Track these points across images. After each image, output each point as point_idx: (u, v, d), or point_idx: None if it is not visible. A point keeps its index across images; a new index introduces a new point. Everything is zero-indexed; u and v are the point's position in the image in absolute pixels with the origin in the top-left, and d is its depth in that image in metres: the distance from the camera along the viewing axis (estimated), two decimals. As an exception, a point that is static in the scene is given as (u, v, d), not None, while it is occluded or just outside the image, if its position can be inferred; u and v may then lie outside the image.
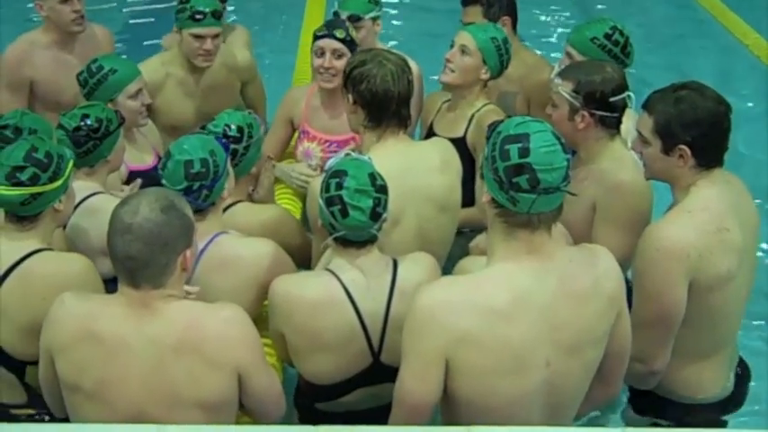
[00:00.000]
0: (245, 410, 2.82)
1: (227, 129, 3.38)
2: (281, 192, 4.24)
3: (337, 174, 2.92)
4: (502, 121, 2.62)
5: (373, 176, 2.92)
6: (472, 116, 3.96)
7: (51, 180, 2.96)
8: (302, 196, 4.18)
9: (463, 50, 3.92)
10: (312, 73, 4.21)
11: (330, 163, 3.04)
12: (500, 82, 4.24)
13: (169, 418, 2.60)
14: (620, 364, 2.83)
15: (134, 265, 2.55)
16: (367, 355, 3.00)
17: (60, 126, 3.45)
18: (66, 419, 2.82)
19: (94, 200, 3.42)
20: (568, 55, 3.90)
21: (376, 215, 2.90)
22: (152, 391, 2.60)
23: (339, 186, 2.89)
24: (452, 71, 3.94)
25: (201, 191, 3.03)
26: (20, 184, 2.91)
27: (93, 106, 3.55)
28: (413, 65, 3.87)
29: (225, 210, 3.30)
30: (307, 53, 5.57)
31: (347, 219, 2.88)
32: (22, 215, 2.98)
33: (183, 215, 2.61)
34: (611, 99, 3.32)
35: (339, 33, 4.04)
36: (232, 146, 3.33)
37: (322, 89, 4.17)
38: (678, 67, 6.84)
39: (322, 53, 4.06)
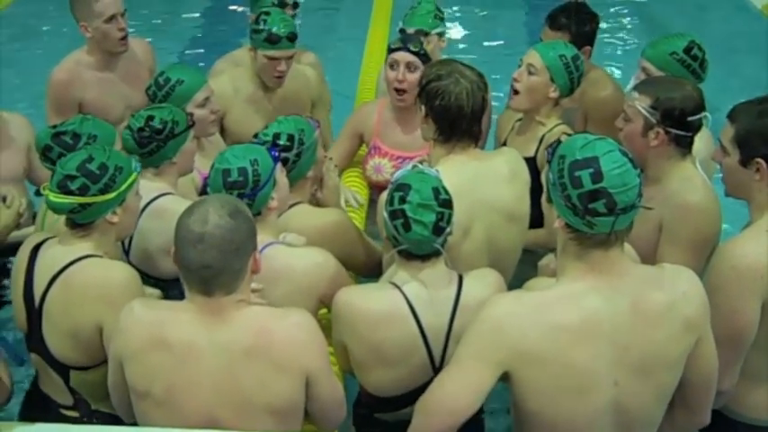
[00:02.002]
0: (306, 416, 2.81)
1: (276, 137, 3.38)
2: (349, 178, 4.28)
3: (401, 187, 2.91)
4: (560, 142, 2.58)
5: (437, 191, 2.90)
6: (543, 136, 3.91)
7: (102, 192, 2.96)
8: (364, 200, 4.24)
9: (530, 69, 3.87)
10: (387, 87, 4.20)
11: (397, 175, 3.03)
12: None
13: (239, 424, 2.62)
14: (706, 393, 2.75)
15: (209, 273, 2.54)
16: (428, 369, 2.98)
17: (128, 126, 3.48)
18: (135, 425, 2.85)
19: (161, 201, 3.43)
20: (644, 70, 3.85)
21: (439, 230, 2.88)
22: (222, 397, 2.60)
23: (402, 200, 2.88)
24: (518, 92, 3.90)
25: (242, 200, 2.97)
26: (69, 192, 2.93)
27: (160, 108, 3.57)
28: None
29: (282, 213, 3.27)
30: (370, 70, 5.60)
31: (409, 233, 2.87)
32: (77, 222, 3.01)
33: (248, 217, 2.62)
34: (689, 118, 3.26)
35: (413, 46, 4.05)
36: (283, 154, 3.33)
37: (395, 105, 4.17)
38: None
39: (396, 66, 4.06)
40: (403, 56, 4.05)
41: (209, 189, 3.03)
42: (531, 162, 3.80)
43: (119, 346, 2.70)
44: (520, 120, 4.08)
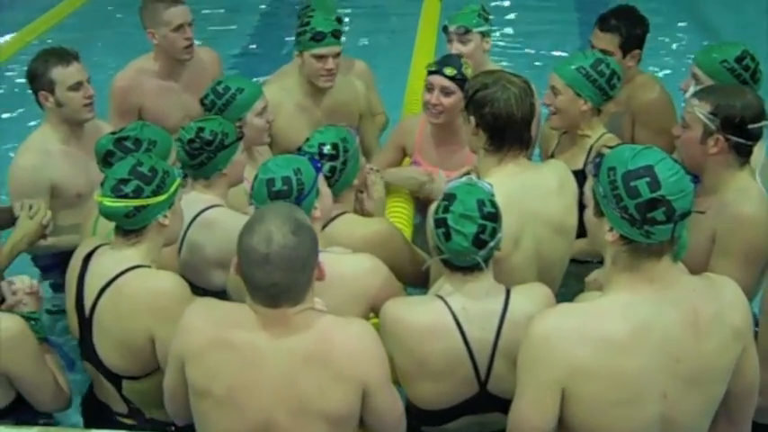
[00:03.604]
0: (363, 428, 2.81)
1: (321, 147, 3.38)
2: (394, 204, 4.25)
3: (448, 197, 2.91)
4: (602, 155, 2.56)
5: (482, 203, 2.88)
6: (590, 147, 3.87)
7: (155, 193, 3.00)
8: (410, 216, 4.21)
9: (554, 91, 3.84)
10: (423, 105, 4.19)
11: (450, 185, 3.02)
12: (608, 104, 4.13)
13: (295, 429, 2.63)
14: (749, 403, 2.71)
15: (277, 290, 2.55)
16: (473, 383, 2.96)
17: (178, 138, 3.52)
18: (187, 428, 2.89)
19: (210, 213, 3.46)
20: (694, 76, 3.80)
21: (480, 242, 2.86)
22: (281, 401, 2.61)
23: (446, 210, 2.88)
24: (554, 113, 3.88)
25: None
26: (124, 196, 2.97)
27: (210, 120, 3.61)
28: None
29: (328, 223, 3.28)
30: (417, 81, 5.56)
31: (450, 242, 2.86)
32: (128, 229, 3.04)
33: (310, 228, 2.62)
34: (750, 126, 3.20)
35: (449, 71, 4.02)
36: (330, 163, 3.34)
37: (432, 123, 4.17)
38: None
39: (431, 88, 4.06)
40: (438, 80, 4.04)
41: (253, 200, 3.04)
42: (580, 174, 3.70)
43: (181, 344, 2.71)
44: (565, 133, 4.05)
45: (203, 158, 3.49)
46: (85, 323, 3.07)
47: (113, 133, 3.46)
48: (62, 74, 3.92)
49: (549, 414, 2.55)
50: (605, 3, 6.61)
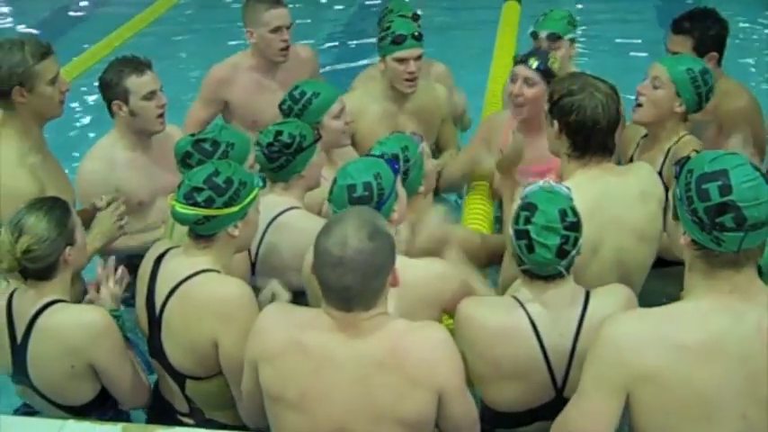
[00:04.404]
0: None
1: (382, 158, 3.36)
2: (472, 202, 4.26)
3: (528, 207, 2.86)
4: (689, 158, 2.51)
5: (564, 213, 2.83)
6: (669, 149, 3.81)
7: (226, 205, 3.00)
8: (489, 212, 4.21)
9: (655, 83, 3.78)
10: (507, 97, 4.19)
11: (527, 191, 2.97)
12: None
13: None
14: None
15: (349, 294, 2.55)
16: (549, 388, 2.93)
17: (257, 142, 3.55)
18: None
19: (288, 215, 3.48)
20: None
21: (563, 253, 2.82)
22: (354, 407, 2.61)
23: (527, 221, 2.83)
24: (642, 105, 3.81)
25: None
26: (195, 204, 2.99)
27: (288, 123, 3.63)
28: None
29: None
30: (497, 83, 5.51)
31: (533, 255, 2.83)
32: (199, 233, 3.06)
33: (387, 235, 2.59)
34: None
35: (533, 62, 4.02)
36: None
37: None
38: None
39: (515, 79, 4.06)
40: (522, 70, 4.05)
41: (332, 205, 3.04)
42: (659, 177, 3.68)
43: (255, 347, 2.73)
44: (645, 136, 3.99)
45: (282, 161, 3.51)
46: (155, 322, 3.11)
47: (193, 135, 3.51)
48: (136, 83, 3.90)
49: (603, 423, 2.50)
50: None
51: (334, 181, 3.06)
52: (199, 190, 2.99)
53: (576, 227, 2.84)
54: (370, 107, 4.54)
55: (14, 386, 3.26)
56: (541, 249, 2.80)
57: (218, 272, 3.04)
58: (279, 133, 3.51)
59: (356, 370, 2.59)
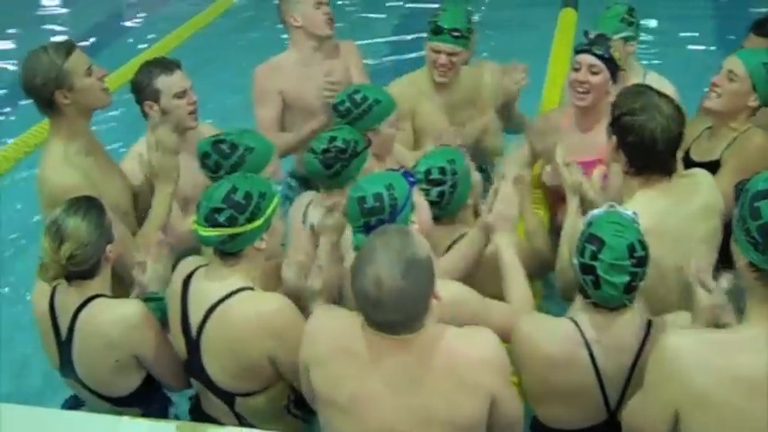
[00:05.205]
0: None
1: (428, 174, 3.39)
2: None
3: (594, 240, 2.79)
4: (748, 180, 2.41)
5: (632, 248, 2.76)
6: (734, 138, 3.75)
7: (249, 221, 2.94)
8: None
9: (731, 76, 3.71)
10: (569, 87, 4.13)
11: (590, 217, 2.91)
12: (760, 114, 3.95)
13: None
14: None
15: (393, 326, 2.53)
16: (602, 411, 2.91)
17: (310, 150, 3.50)
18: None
19: None
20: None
21: (630, 289, 2.77)
22: (404, 411, 2.58)
23: (594, 257, 2.77)
24: (718, 96, 3.74)
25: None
26: (217, 225, 2.93)
27: (340, 129, 3.61)
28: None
29: None
30: (552, 91, 5.40)
31: (599, 291, 2.78)
32: (226, 252, 3.01)
33: (421, 262, 2.50)
34: None
35: (597, 49, 3.99)
36: (437, 188, 3.36)
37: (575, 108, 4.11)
38: None
39: (578, 68, 4.02)
40: (586, 58, 4.01)
41: (348, 218, 2.99)
42: (716, 165, 3.66)
43: (306, 350, 2.74)
44: (708, 128, 3.91)
45: (338, 167, 3.48)
46: (192, 345, 3.06)
47: (214, 136, 3.50)
48: (166, 82, 3.92)
49: (658, 426, 2.47)
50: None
51: (348, 195, 3.02)
52: (219, 210, 2.93)
53: (644, 261, 2.78)
54: (419, 92, 4.58)
55: (63, 379, 3.30)
56: (608, 287, 2.75)
57: (252, 289, 2.99)
58: (333, 139, 3.49)
59: (406, 374, 2.57)
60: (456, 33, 4.41)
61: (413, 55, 6.84)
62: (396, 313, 2.47)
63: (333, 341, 2.65)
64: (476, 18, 4.95)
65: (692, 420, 2.40)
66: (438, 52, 4.44)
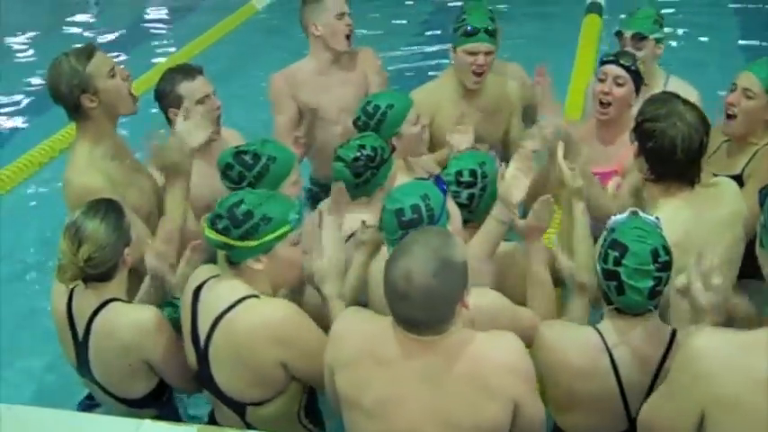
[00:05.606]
0: None
1: (459, 175, 3.36)
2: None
3: (617, 246, 2.77)
4: None
5: (656, 253, 2.74)
6: (755, 152, 3.72)
7: (242, 238, 2.90)
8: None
9: (747, 94, 3.68)
10: (592, 98, 4.09)
11: (613, 222, 2.88)
12: None
13: None
14: None
15: (417, 324, 2.52)
16: (623, 419, 2.90)
17: (338, 158, 3.49)
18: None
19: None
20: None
21: (655, 294, 2.75)
22: (430, 416, 2.58)
23: (617, 262, 2.75)
24: (734, 116, 3.71)
25: None
26: (216, 230, 2.93)
27: (366, 137, 3.60)
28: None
29: None
30: (575, 97, 5.38)
31: (623, 297, 2.77)
32: (230, 260, 3.00)
33: (456, 266, 2.50)
34: None
35: (624, 61, 3.95)
36: (467, 191, 3.32)
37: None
38: None
39: (604, 79, 3.97)
40: (612, 69, 3.96)
41: (384, 232, 2.98)
42: (737, 180, 3.61)
43: (331, 353, 2.73)
44: (727, 140, 3.87)
45: (368, 175, 3.48)
46: (201, 355, 3.05)
47: (236, 147, 3.47)
48: (189, 88, 3.90)
49: (681, 424, 2.45)
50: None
51: (383, 207, 3.01)
52: (220, 217, 2.93)
53: (668, 266, 2.76)
54: (442, 100, 4.52)
55: (80, 378, 3.33)
56: (633, 293, 2.73)
57: (257, 296, 2.96)
58: (362, 147, 3.48)
59: (432, 379, 2.56)
60: (490, 32, 4.38)
61: (433, 62, 6.83)
62: (420, 311, 2.46)
63: (360, 344, 2.65)
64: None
65: (720, 422, 2.36)
66: (475, 54, 4.37)
